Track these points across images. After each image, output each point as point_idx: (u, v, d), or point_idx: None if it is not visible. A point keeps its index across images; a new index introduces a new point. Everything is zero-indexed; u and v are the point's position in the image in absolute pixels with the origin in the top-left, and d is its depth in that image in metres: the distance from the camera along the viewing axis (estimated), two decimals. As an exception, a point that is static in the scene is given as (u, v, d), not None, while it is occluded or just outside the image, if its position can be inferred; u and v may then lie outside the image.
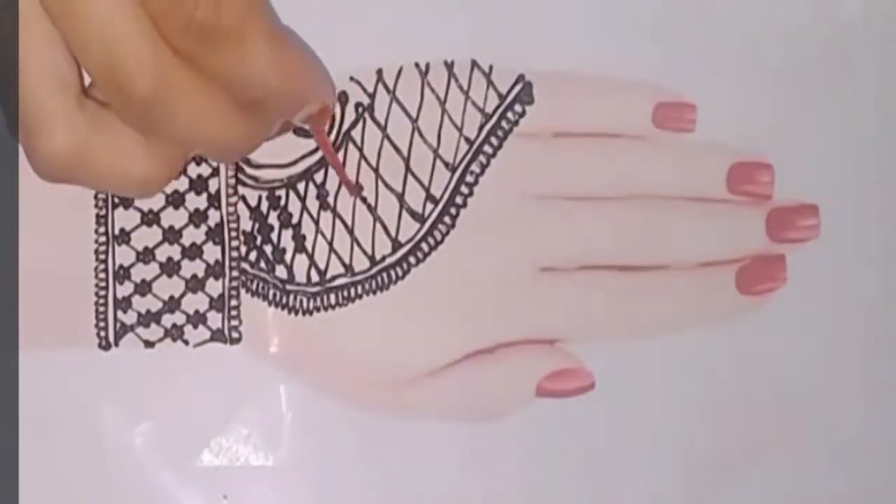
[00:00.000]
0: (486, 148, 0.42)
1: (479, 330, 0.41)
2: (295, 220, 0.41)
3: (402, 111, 0.41)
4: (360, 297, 0.41)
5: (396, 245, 0.41)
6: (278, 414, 0.41)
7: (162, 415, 0.41)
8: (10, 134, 0.34)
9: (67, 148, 0.34)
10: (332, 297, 0.41)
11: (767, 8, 0.42)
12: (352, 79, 0.41)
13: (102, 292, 0.41)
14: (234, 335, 0.41)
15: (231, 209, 0.41)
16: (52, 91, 0.33)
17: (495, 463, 0.41)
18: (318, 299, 0.41)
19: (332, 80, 0.39)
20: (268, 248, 0.41)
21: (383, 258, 0.41)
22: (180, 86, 0.33)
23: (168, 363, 0.41)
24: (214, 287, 0.41)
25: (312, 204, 0.41)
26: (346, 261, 0.41)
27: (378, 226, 0.41)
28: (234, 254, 0.41)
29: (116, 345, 0.41)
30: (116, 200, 0.41)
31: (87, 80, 0.34)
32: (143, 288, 0.41)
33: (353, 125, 0.41)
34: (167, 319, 0.41)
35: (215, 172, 0.41)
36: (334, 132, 0.41)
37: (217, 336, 0.41)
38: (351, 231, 0.41)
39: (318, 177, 0.41)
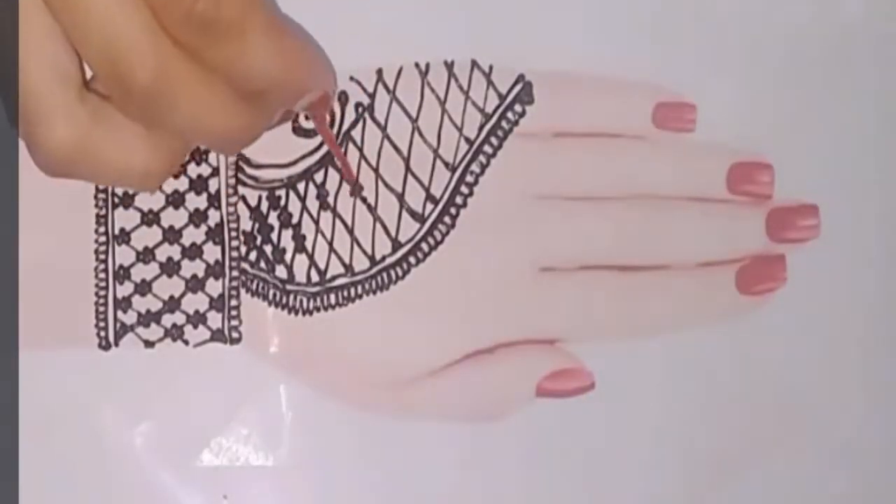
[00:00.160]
0: (486, 148, 0.42)
1: (479, 330, 0.41)
2: (295, 220, 0.41)
3: (402, 111, 0.41)
4: (360, 297, 0.41)
5: (396, 245, 0.41)
6: (278, 414, 0.41)
7: (162, 415, 0.41)
8: (10, 126, 0.34)
9: (69, 141, 0.34)
10: (332, 297, 0.41)
11: (767, 8, 0.42)
12: (352, 79, 0.41)
13: (102, 292, 0.41)
14: (234, 335, 0.41)
15: (231, 209, 0.41)
16: (54, 84, 0.33)
17: (495, 463, 0.41)
18: (318, 299, 0.41)
19: (333, 67, 0.39)
20: (268, 248, 0.41)
21: (383, 258, 0.41)
22: (181, 77, 0.33)
23: (168, 363, 0.41)
24: (214, 287, 0.41)
25: (312, 204, 0.41)
26: (346, 261, 0.41)
27: (378, 226, 0.41)
28: (234, 254, 0.41)
29: (116, 345, 0.41)
30: (116, 200, 0.41)
31: (89, 73, 0.34)
32: (143, 288, 0.41)
33: (353, 125, 0.41)
34: (167, 319, 0.41)
35: (215, 172, 0.41)
36: (334, 132, 0.41)
37: (217, 336, 0.41)
38: (351, 231, 0.41)
39: (318, 177, 0.41)
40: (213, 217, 0.41)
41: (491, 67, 0.42)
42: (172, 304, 0.41)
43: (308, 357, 0.41)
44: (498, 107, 0.42)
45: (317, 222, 0.41)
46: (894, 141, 0.43)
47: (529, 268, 0.42)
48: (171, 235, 0.41)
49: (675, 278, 0.42)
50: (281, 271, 0.41)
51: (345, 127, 0.41)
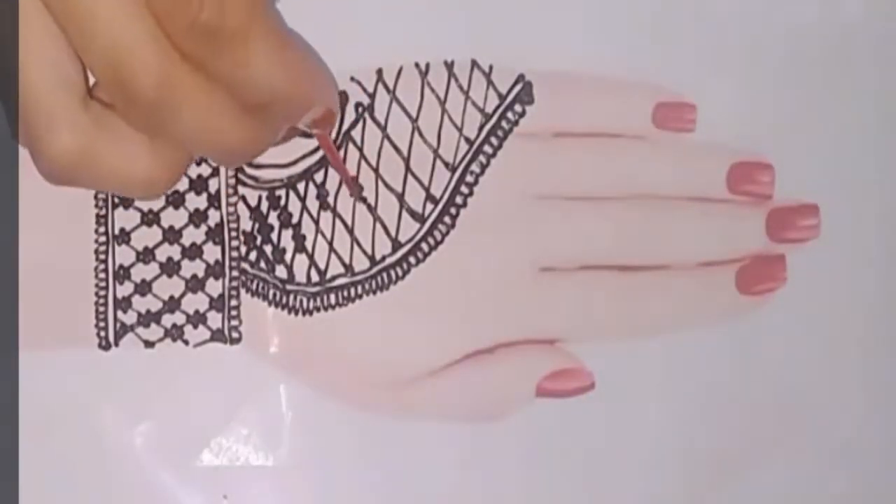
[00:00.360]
0: (486, 148, 0.42)
1: (479, 330, 0.41)
2: (295, 220, 0.41)
3: (402, 111, 0.41)
4: (360, 297, 0.41)
5: (396, 245, 0.41)
6: (278, 414, 0.41)
7: (162, 415, 0.41)
8: (11, 136, 0.34)
9: (72, 149, 0.34)
10: (332, 297, 0.41)
11: (767, 8, 0.42)
12: (352, 79, 0.41)
13: (102, 292, 0.41)
14: (234, 335, 0.41)
15: (231, 209, 0.41)
16: (57, 91, 0.33)
17: (495, 463, 0.41)
18: (318, 299, 0.41)
19: (336, 84, 0.39)
20: (268, 248, 0.41)
21: (383, 258, 0.41)
22: (185, 87, 0.33)
23: (168, 363, 0.41)
24: (214, 287, 0.41)
25: (312, 204, 0.41)
26: (346, 261, 0.41)
27: (378, 226, 0.41)
28: (234, 254, 0.41)
29: (116, 345, 0.41)
30: (116, 200, 0.41)
31: (92, 81, 0.34)
32: (143, 288, 0.41)
33: (353, 125, 0.41)
34: (167, 319, 0.41)
35: (215, 172, 0.41)
36: (334, 132, 0.41)
37: (217, 336, 0.41)
38: (351, 231, 0.41)
39: (318, 177, 0.41)
40: (213, 217, 0.41)
41: (491, 67, 0.42)
42: (172, 304, 0.41)
43: (308, 357, 0.41)
44: (498, 107, 0.42)
45: (317, 222, 0.41)
46: (894, 141, 0.43)
47: (529, 268, 0.42)
48: (171, 235, 0.41)
49: (675, 278, 0.42)
50: (281, 271, 0.41)
51: (345, 127, 0.41)
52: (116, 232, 0.41)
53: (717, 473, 0.42)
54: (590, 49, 0.42)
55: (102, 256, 0.41)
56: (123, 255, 0.41)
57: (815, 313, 0.42)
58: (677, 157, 0.42)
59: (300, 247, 0.41)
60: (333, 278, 0.41)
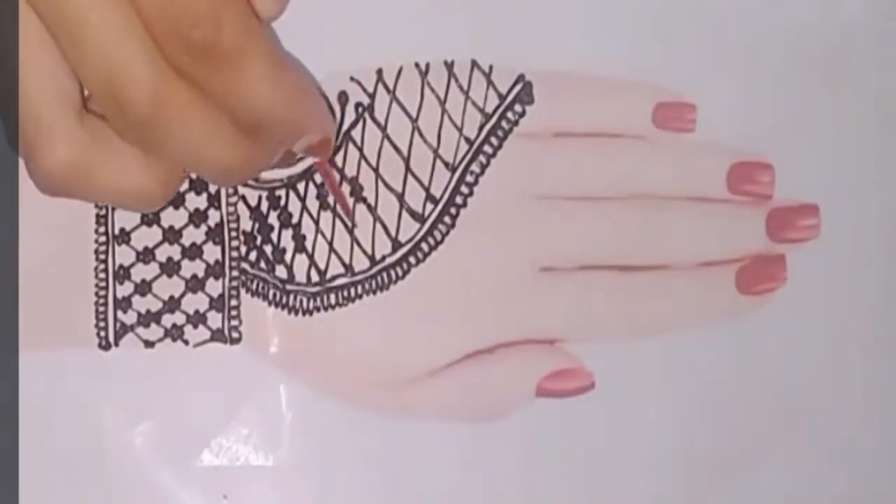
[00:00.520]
0: (486, 148, 0.42)
1: (479, 330, 0.41)
2: (295, 220, 0.41)
3: (402, 111, 0.41)
4: (360, 297, 0.41)
5: (396, 245, 0.41)
6: (278, 414, 0.41)
7: (162, 415, 0.41)
8: (10, 148, 0.34)
9: (68, 162, 0.34)
10: (332, 297, 0.41)
11: (767, 8, 0.42)
12: (352, 79, 0.41)
13: (102, 292, 0.41)
14: (234, 335, 0.41)
15: (231, 209, 0.41)
16: (53, 105, 0.33)
17: (495, 463, 0.41)
18: (318, 299, 0.41)
19: (333, 113, 0.39)
20: (268, 248, 0.41)
21: (383, 258, 0.41)
22: (178, 104, 0.33)
23: (168, 363, 0.41)
24: (214, 287, 0.41)
25: (312, 204, 0.41)
26: (346, 261, 0.41)
27: (378, 226, 0.41)
28: (234, 254, 0.41)
29: (116, 345, 0.41)
30: (116, 200, 0.41)
31: (88, 93, 0.34)
32: (143, 288, 0.41)
33: (353, 125, 0.41)
34: (167, 319, 0.41)
35: (215, 172, 0.41)
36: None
37: (217, 336, 0.41)
38: (351, 231, 0.41)
39: (318, 177, 0.41)
40: (213, 217, 0.41)
41: (491, 67, 0.42)
42: (172, 304, 0.41)
43: (308, 357, 0.41)
44: (498, 107, 0.42)
45: (317, 222, 0.41)
46: (894, 141, 0.43)
47: (529, 268, 0.42)
48: (171, 235, 0.41)
49: (675, 278, 0.42)
50: (281, 271, 0.41)
51: (345, 127, 0.41)
52: (116, 232, 0.41)
53: (717, 473, 0.42)
54: (590, 49, 0.42)
55: (102, 256, 0.41)
56: (123, 254, 0.41)
57: (815, 313, 0.42)
58: (677, 157, 0.42)
59: (300, 247, 0.41)
60: (333, 278, 0.41)
